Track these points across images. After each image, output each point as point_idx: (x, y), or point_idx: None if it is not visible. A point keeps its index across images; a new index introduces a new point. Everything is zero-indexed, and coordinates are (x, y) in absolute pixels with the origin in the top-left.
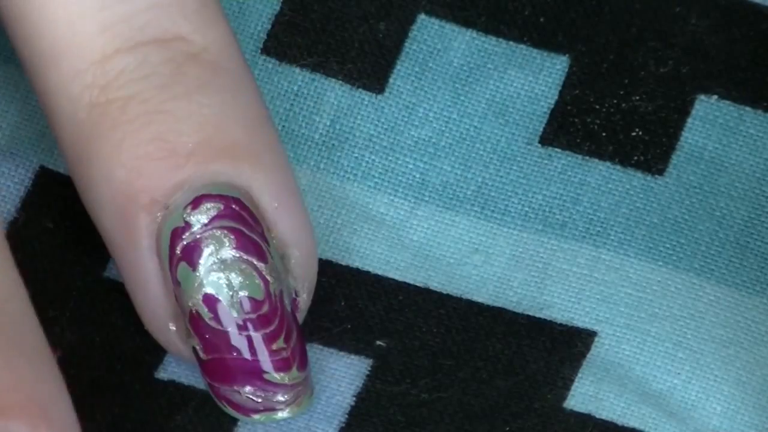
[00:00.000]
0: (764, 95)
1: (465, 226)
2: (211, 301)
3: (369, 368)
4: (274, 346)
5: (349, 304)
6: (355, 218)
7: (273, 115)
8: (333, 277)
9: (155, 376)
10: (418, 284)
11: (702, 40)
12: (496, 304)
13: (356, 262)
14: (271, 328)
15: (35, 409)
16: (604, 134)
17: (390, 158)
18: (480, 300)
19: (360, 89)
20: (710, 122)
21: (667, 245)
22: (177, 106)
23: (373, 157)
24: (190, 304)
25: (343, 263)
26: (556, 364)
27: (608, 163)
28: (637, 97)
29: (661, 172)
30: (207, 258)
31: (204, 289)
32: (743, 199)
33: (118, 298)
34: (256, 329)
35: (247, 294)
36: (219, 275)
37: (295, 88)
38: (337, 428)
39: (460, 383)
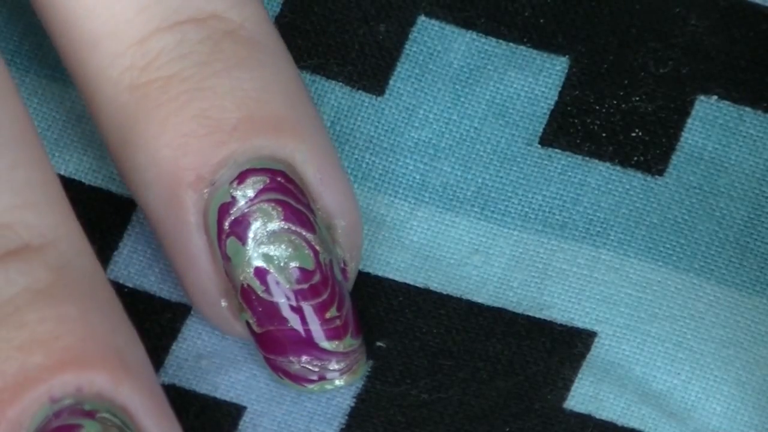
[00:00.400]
0: (764, 95)
1: (465, 226)
2: (262, 273)
3: (369, 369)
4: (328, 315)
5: None
6: None
7: None
8: None
9: None
10: (418, 285)
11: (702, 41)
12: (496, 305)
13: None
14: (323, 297)
15: (114, 359)
16: (604, 135)
17: (390, 159)
18: (480, 300)
19: (360, 91)
20: (710, 122)
21: (667, 245)
22: (218, 83)
23: (373, 158)
24: (241, 278)
25: None
26: (556, 365)
27: (608, 164)
28: (637, 98)
29: (661, 172)
30: (256, 231)
31: (254, 262)
32: (743, 199)
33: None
34: (307, 299)
35: (297, 265)
36: (269, 248)
37: None
38: (338, 429)
39: (460, 383)
